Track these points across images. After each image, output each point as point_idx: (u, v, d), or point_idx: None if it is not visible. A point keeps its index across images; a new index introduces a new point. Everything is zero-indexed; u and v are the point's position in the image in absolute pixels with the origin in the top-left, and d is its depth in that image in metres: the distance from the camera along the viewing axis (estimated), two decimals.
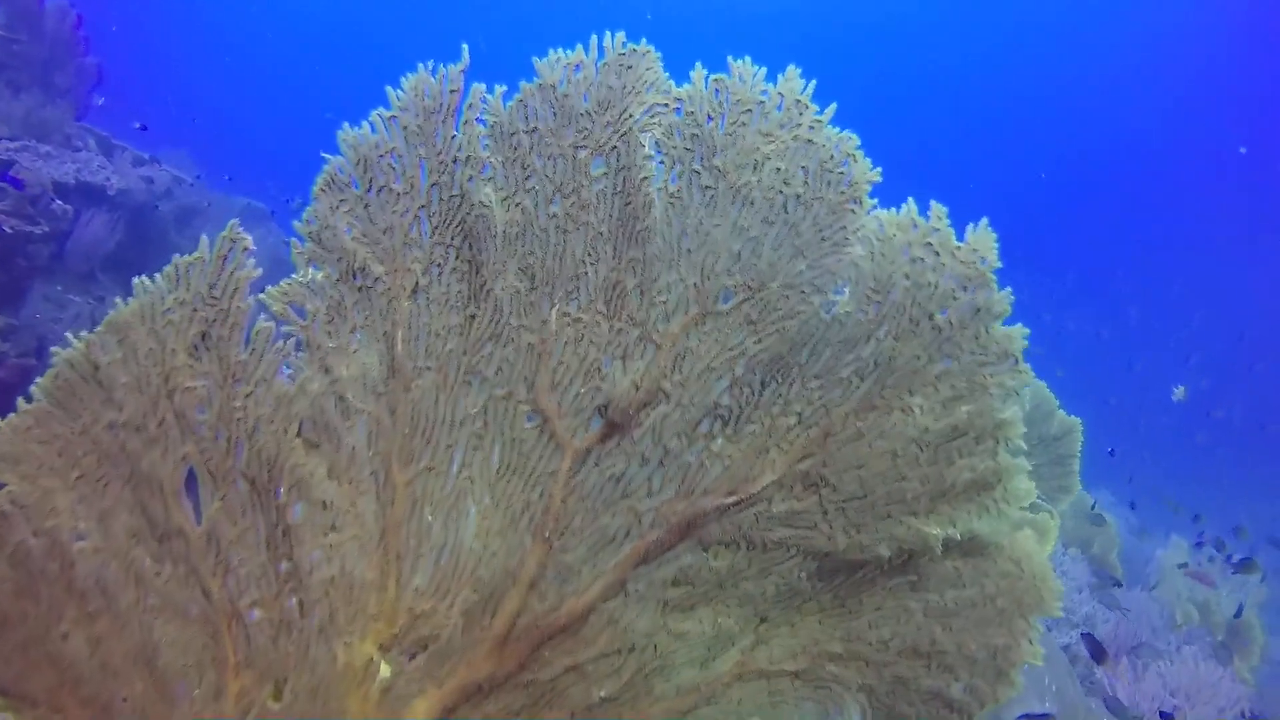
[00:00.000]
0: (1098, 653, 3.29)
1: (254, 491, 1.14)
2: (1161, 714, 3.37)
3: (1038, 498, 2.13)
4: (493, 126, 1.31)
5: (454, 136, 1.31)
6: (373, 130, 1.33)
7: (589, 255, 1.26)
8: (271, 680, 1.11)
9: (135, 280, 1.18)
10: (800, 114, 1.28)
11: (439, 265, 1.28)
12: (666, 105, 1.31)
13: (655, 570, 1.19)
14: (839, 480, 1.24)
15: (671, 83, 1.32)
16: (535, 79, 1.32)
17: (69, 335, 1.19)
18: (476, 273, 1.27)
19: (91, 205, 4.04)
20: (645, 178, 1.28)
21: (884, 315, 1.24)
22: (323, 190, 1.31)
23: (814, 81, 1.30)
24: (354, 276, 1.28)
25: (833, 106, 1.29)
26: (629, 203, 1.27)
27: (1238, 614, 4.18)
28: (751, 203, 1.27)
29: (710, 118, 1.29)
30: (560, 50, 1.33)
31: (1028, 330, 1.27)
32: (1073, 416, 3.22)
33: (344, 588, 1.12)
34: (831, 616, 1.27)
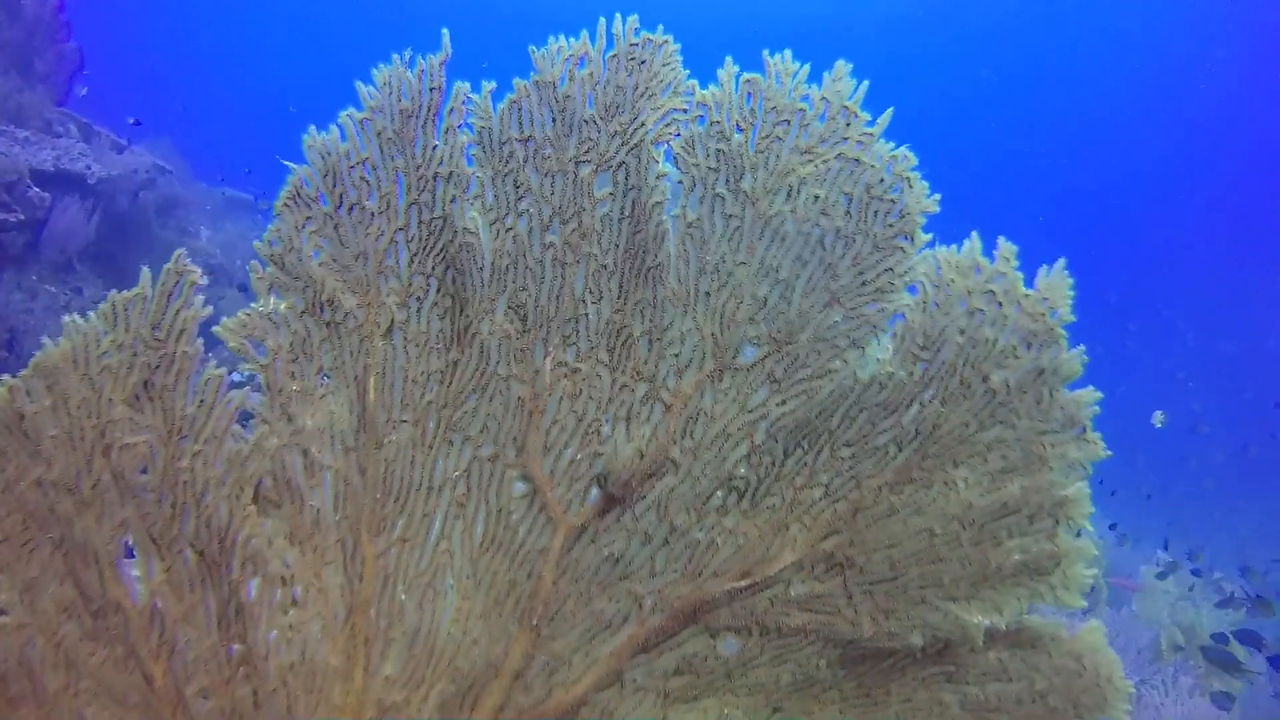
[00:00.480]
0: None
1: (203, 563, 0.98)
2: None
3: None
4: (480, 133, 1.10)
5: (435, 147, 1.10)
6: (343, 136, 1.12)
7: (590, 293, 1.06)
8: None
9: (64, 319, 1.00)
10: (848, 125, 1.06)
11: (418, 299, 1.09)
12: (686, 112, 1.08)
13: (656, 659, 1.03)
14: (867, 560, 1.06)
15: (694, 83, 1.09)
16: (531, 75, 1.10)
17: None
18: (460, 310, 1.08)
19: (70, 193, 3.84)
20: (659, 202, 1.07)
21: (931, 377, 1.04)
22: (287, 206, 1.11)
23: (866, 84, 1.07)
24: (321, 309, 1.09)
25: (887, 115, 1.07)
26: (638, 231, 1.07)
27: (1221, 640, 3.97)
28: (783, 238, 1.05)
29: (739, 129, 1.07)
30: (562, 39, 1.11)
31: (1100, 395, 1.07)
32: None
33: (305, 675, 0.97)
34: (855, 707, 1.11)
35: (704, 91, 1.09)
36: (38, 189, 3.66)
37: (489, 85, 1.10)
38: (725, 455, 1.04)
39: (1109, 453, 1.09)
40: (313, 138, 1.12)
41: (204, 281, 1.04)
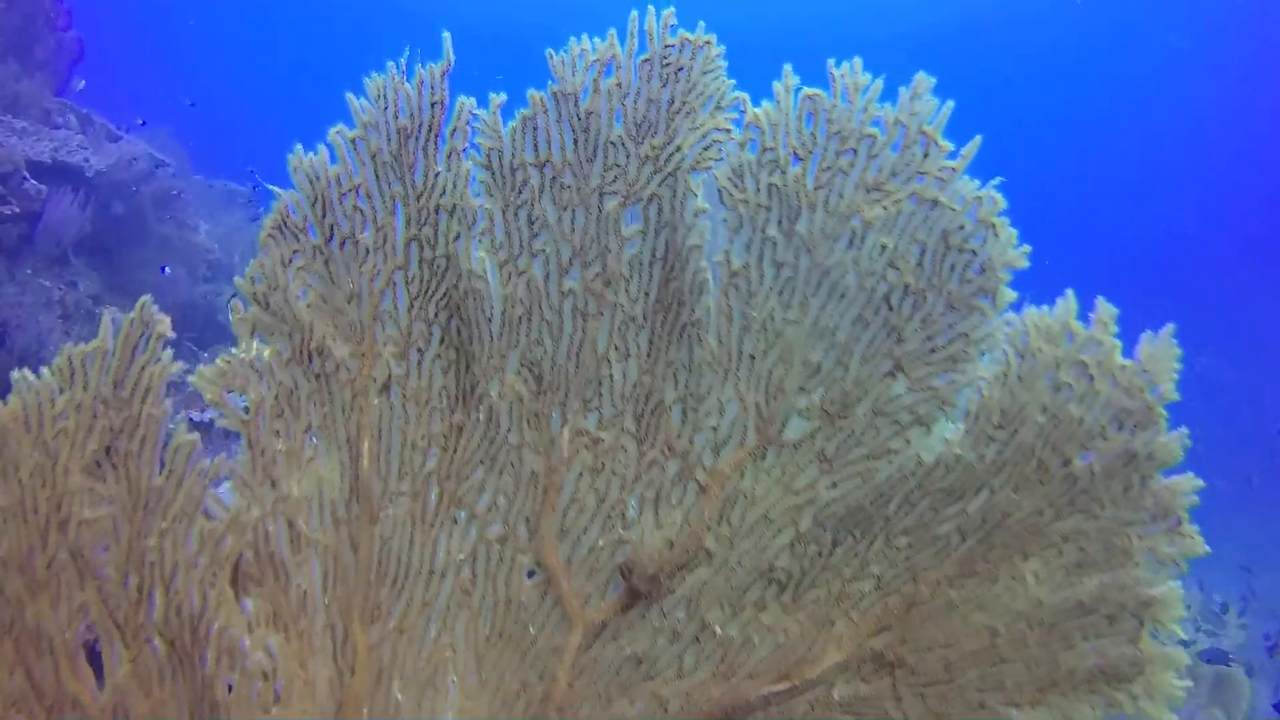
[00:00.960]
0: None
1: (173, 654, 0.85)
2: None
3: None
4: (489, 157, 0.92)
5: (437, 174, 0.92)
6: (333, 157, 0.95)
7: (615, 351, 0.90)
8: None
9: (14, 374, 0.85)
10: (925, 156, 0.88)
11: (419, 350, 0.93)
12: (732, 133, 0.90)
13: None
14: (920, 661, 0.92)
15: (744, 97, 0.90)
16: (549, 85, 0.91)
17: None
18: (466, 366, 0.92)
19: (67, 186, 3.64)
20: (697, 245, 0.89)
21: (1005, 460, 0.88)
22: (272, 236, 0.95)
23: (950, 105, 0.88)
24: (310, 358, 0.94)
25: (973, 145, 0.88)
26: (673, 279, 0.90)
27: (1210, 658, 3.72)
28: (842, 293, 0.88)
29: (797, 158, 0.89)
30: (585, 40, 0.92)
31: (1201, 484, 0.90)
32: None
33: None
34: None
35: (755, 110, 0.90)
36: (34, 181, 3.48)
37: (498, 99, 0.92)
38: (766, 544, 0.89)
39: (1208, 550, 0.93)
40: (299, 159, 0.95)
41: (172, 334, 0.89)
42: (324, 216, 0.95)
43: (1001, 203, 0.88)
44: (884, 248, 0.88)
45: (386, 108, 0.94)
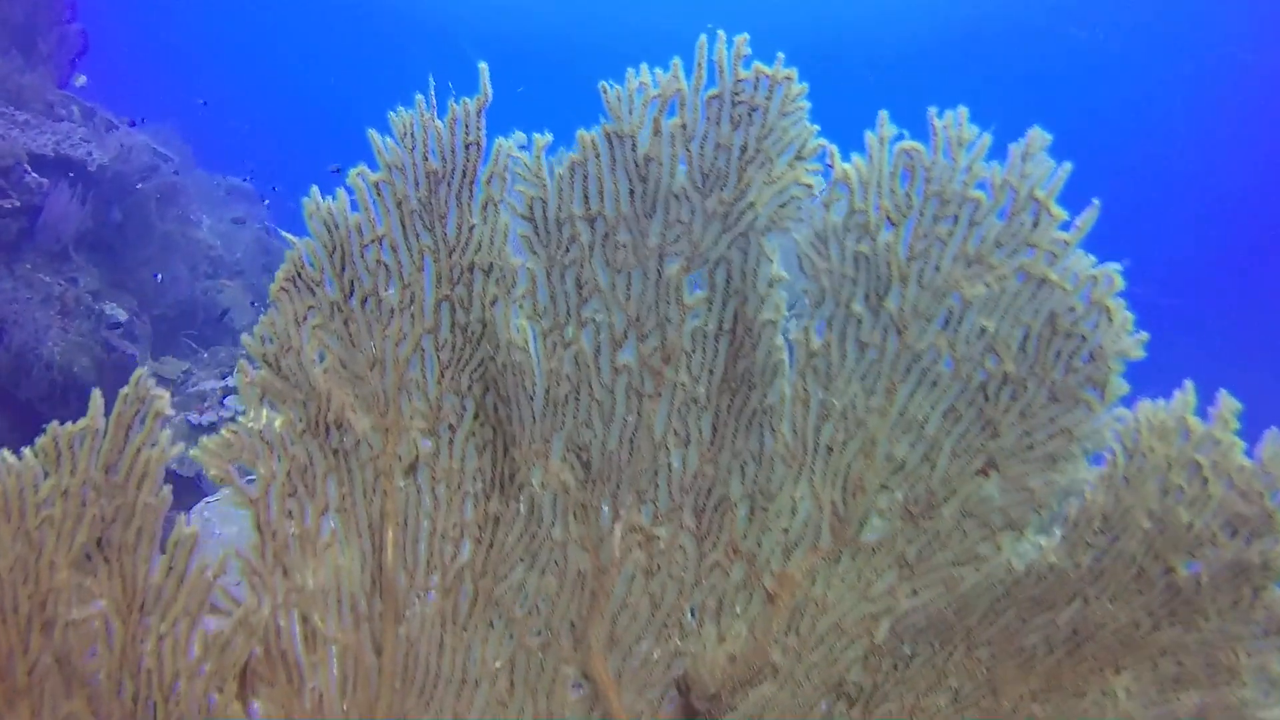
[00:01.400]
0: None
1: None
2: None
3: None
4: (531, 207, 0.78)
5: (472, 226, 0.79)
6: (353, 203, 0.81)
7: (675, 437, 0.78)
8: None
9: None
10: (1035, 226, 0.75)
11: (450, 427, 0.81)
12: (814, 189, 0.77)
13: None
14: None
15: (832, 148, 0.77)
16: (600, 123, 0.78)
17: None
18: (505, 448, 0.80)
19: (69, 180, 3.44)
20: (771, 319, 0.77)
21: (1102, 568, 0.77)
22: (285, 290, 0.82)
23: (1068, 167, 0.75)
24: (327, 430, 0.81)
25: (1091, 213, 0.75)
26: (742, 356, 0.77)
27: None
28: (933, 381, 0.76)
29: (890, 222, 0.76)
30: (644, 72, 0.78)
31: None
32: None
33: None
34: None
35: (844, 164, 0.77)
36: (35, 174, 3.29)
37: (542, 140, 0.78)
38: (837, 656, 0.78)
39: None
40: (315, 204, 0.81)
41: (171, 412, 0.76)
42: (343, 270, 0.82)
43: (1119, 283, 0.75)
44: (984, 330, 0.76)
45: (415, 148, 0.80)
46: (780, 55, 0.78)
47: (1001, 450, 0.77)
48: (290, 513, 0.81)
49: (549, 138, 0.78)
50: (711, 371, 0.78)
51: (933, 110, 0.77)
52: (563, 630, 0.78)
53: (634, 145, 0.78)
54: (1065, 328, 0.76)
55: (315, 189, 0.83)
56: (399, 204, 0.81)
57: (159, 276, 3.58)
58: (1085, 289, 0.75)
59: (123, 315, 3.64)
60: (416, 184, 0.80)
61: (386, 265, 0.81)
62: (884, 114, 0.78)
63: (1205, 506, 0.77)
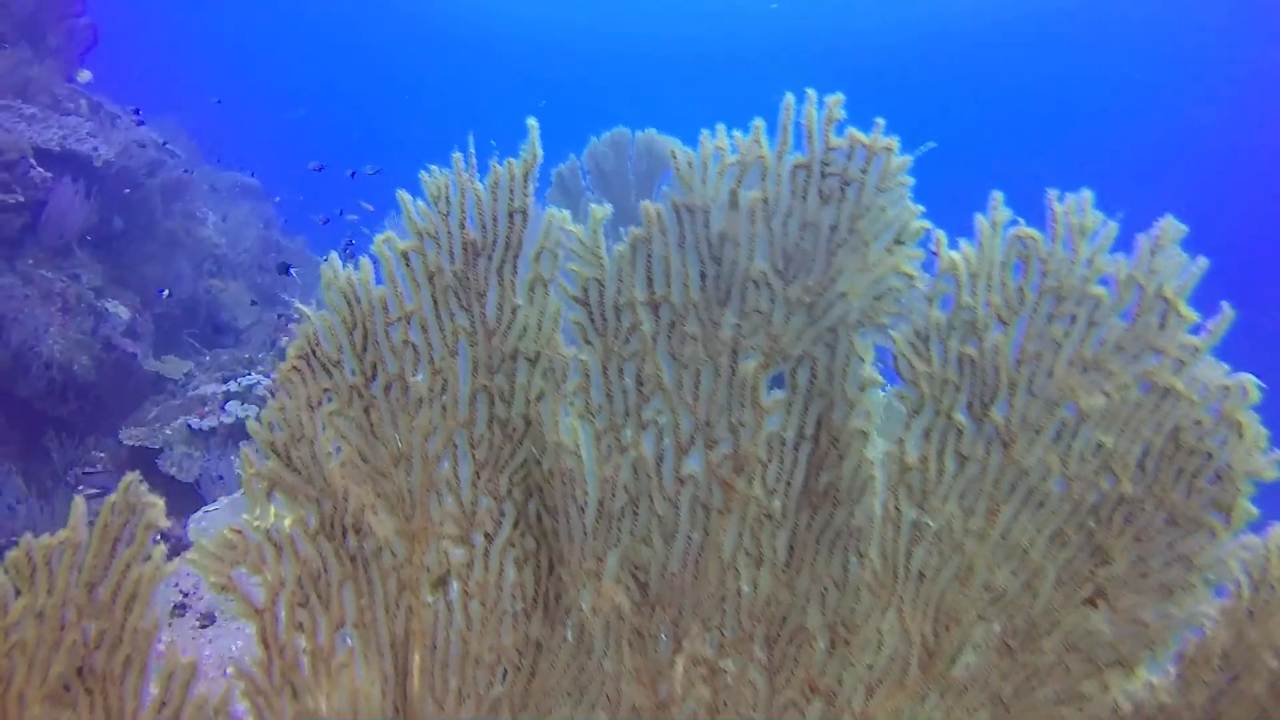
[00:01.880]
0: None
1: None
2: None
3: None
4: (586, 289, 0.64)
5: (516, 308, 0.65)
6: (378, 273, 0.66)
7: (745, 557, 0.65)
8: None
9: None
10: (1163, 328, 0.62)
11: (486, 535, 0.67)
12: (915, 279, 0.63)
13: None
14: None
15: (939, 234, 0.64)
16: (666, 192, 0.64)
17: None
18: (550, 564, 0.66)
19: (74, 174, 3.21)
20: (861, 428, 0.63)
21: (1220, 711, 0.65)
22: (297, 369, 0.67)
23: (1204, 263, 0.62)
24: (344, 533, 0.67)
25: (1225, 319, 0.62)
26: (825, 469, 0.64)
27: None
28: (1041, 501, 0.63)
29: (1000, 321, 0.62)
30: (720, 134, 0.64)
31: None
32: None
33: None
34: None
35: (952, 252, 0.63)
36: (40, 169, 3.05)
37: (600, 212, 0.64)
38: None
39: None
40: (334, 273, 0.66)
41: (167, 523, 0.61)
42: (365, 350, 0.67)
43: (1254, 394, 0.63)
44: (1100, 446, 0.63)
45: (450, 214, 0.65)
46: (879, 122, 0.64)
47: (1112, 579, 0.64)
48: (301, 625, 0.67)
49: (608, 210, 0.64)
50: (789, 484, 0.65)
51: (1053, 193, 0.64)
52: None
53: (707, 221, 0.64)
54: (1190, 444, 0.63)
55: (334, 255, 0.68)
56: (431, 277, 0.66)
57: (165, 292, 3.37)
58: (1215, 401, 0.63)
59: (125, 313, 3.43)
60: (452, 255, 0.66)
61: (415, 347, 0.67)
62: (998, 196, 0.64)
63: None
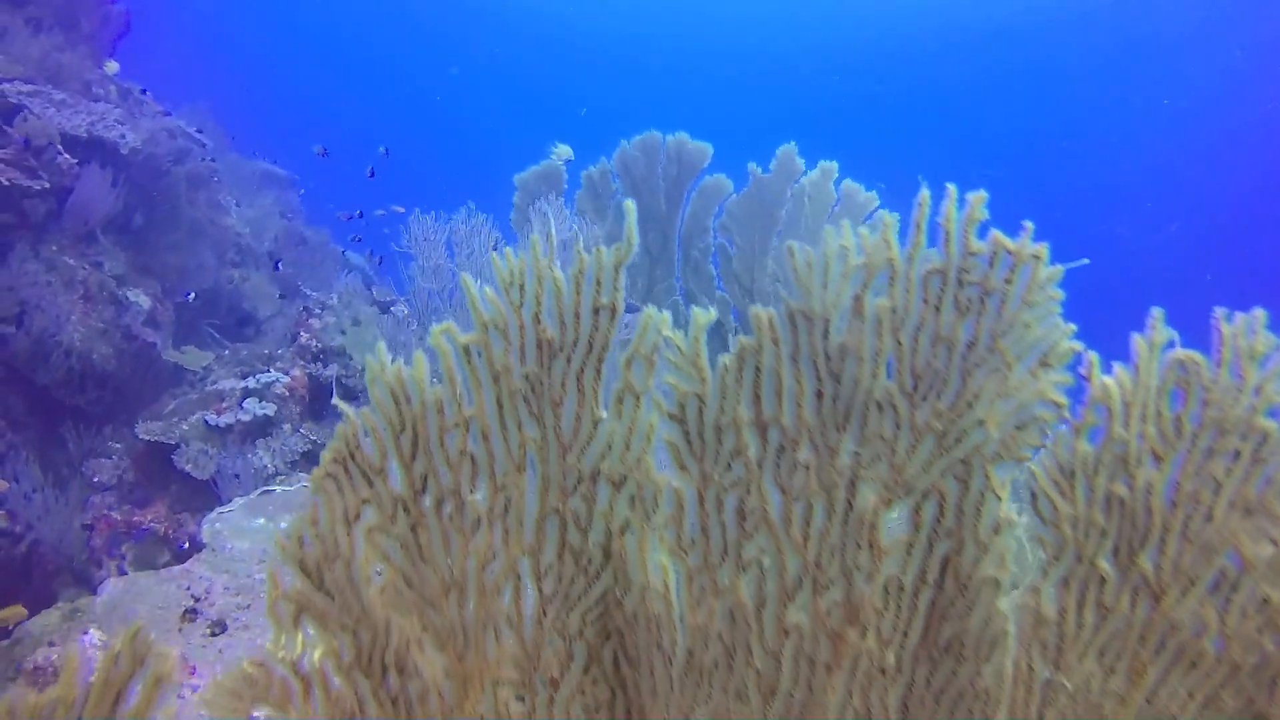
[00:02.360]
0: None
1: None
2: None
3: None
4: (684, 405, 0.50)
5: (600, 421, 0.50)
6: (435, 370, 0.52)
7: (854, 716, 0.51)
8: None
9: None
10: None
11: (552, 682, 0.53)
12: (1063, 408, 0.50)
13: None
14: None
15: (1091, 356, 0.50)
16: (782, 296, 0.51)
17: None
18: (626, 718, 0.53)
19: (101, 161, 2.97)
20: (993, 576, 0.50)
21: None
22: (332, 477, 0.52)
23: None
24: (384, 672, 0.53)
25: None
26: (949, 619, 0.51)
27: None
28: (1193, 662, 0.51)
29: (1154, 456, 0.50)
30: (845, 230, 0.50)
31: None
32: None
33: None
34: None
35: (1105, 379, 0.50)
36: (67, 155, 2.82)
37: (704, 318, 0.50)
38: None
39: None
40: (381, 366, 0.52)
41: (187, 676, 0.47)
42: (414, 459, 0.53)
43: None
44: (1265, 601, 0.51)
45: (525, 305, 0.51)
46: (1028, 226, 0.50)
47: None
48: None
49: (713, 315, 0.50)
50: (907, 636, 0.52)
51: (1220, 312, 0.51)
52: None
53: (826, 331, 0.50)
54: None
55: (381, 347, 0.53)
56: (497, 379, 0.52)
57: (191, 295, 3.16)
58: None
59: (145, 302, 3.23)
60: (524, 354, 0.52)
61: (475, 459, 0.53)
62: (1157, 313, 0.51)
63: None
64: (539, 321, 0.51)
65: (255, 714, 0.51)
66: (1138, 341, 0.50)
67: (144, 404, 2.94)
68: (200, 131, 3.62)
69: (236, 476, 2.41)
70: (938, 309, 0.50)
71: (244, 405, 2.61)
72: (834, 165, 2.54)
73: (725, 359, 0.50)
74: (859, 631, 0.51)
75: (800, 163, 2.53)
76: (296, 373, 2.82)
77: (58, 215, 2.81)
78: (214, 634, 1.98)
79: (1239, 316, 0.50)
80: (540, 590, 0.53)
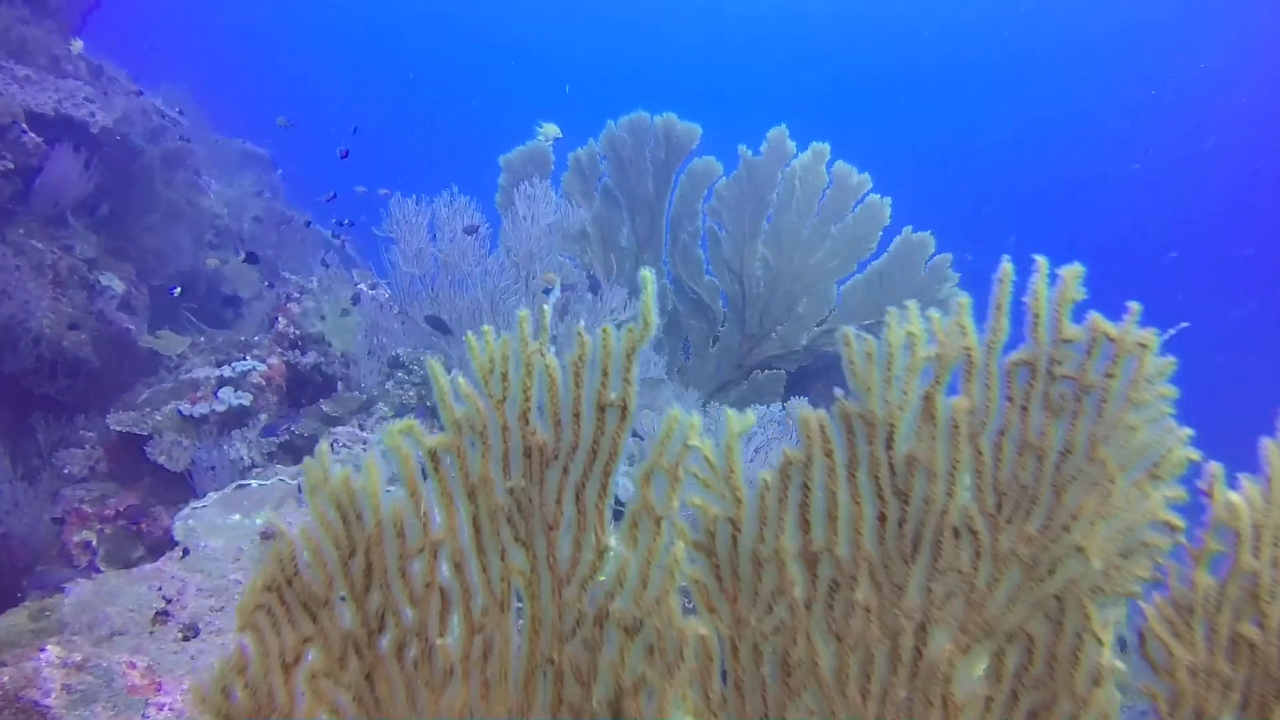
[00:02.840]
0: None
1: None
2: None
3: None
4: (713, 534, 0.36)
5: (606, 551, 0.36)
6: (394, 474, 0.37)
7: None
8: None
9: None
10: None
11: None
12: (1179, 530, 0.37)
13: None
14: None
15: (1213, 467, 0.38)
16: (835, 399, 0.36)
17: None
18: None
19: (70, 140, 2.64)
20: None
21: None
22: (263, 611, 0.37)
23: None
24: None
25: None
26: None
27: None
28: None
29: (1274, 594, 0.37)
30: (912, 316, 0.36)
31: None
32: None
33: None
34: None
35: (1231, 495, 0.38)
36: (33, 134, 2.49)
37: (739, 424, 0.36)
38: None
39: None
40: (322, 470, 0.37)
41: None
42: (368, 590, 0.39)
43: None
44: None
45: (509, 401, 0.36)
46: (1134, 308, 0.37)
47: None
48: None
49: (752, 419, 0.36)
50: None
51: None
52: None
53: (890, 439, 0.36)
54: None
55: (323, 446, 0.38)
56: (473, 493, 0.37)
57: (176, 290, 2.88)
58: None
59: (119, 286, 2.95)
60: (507, 464, 0.37)
61: (444, 592, 0.38)
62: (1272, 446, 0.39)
63: None
64: (527, 422, 0.36)
65: None
66: (1269, 448, 0.38)
67: (119, 391, 2.69)
68: (181, 112, 3.28)
69: (212, 469, 2.22)
70: (1025, 409, 0.37)
71: (219, 395, 2.39)
72: (826, 147, 2.39)
73: (765, 475, 0.36)
74: None
75: (792, 145, 2.38)
76: (274, 361, 2.60)
77: (24, 197, 2.50)
78: (186, 638, 1.81)
79: None
80: None
